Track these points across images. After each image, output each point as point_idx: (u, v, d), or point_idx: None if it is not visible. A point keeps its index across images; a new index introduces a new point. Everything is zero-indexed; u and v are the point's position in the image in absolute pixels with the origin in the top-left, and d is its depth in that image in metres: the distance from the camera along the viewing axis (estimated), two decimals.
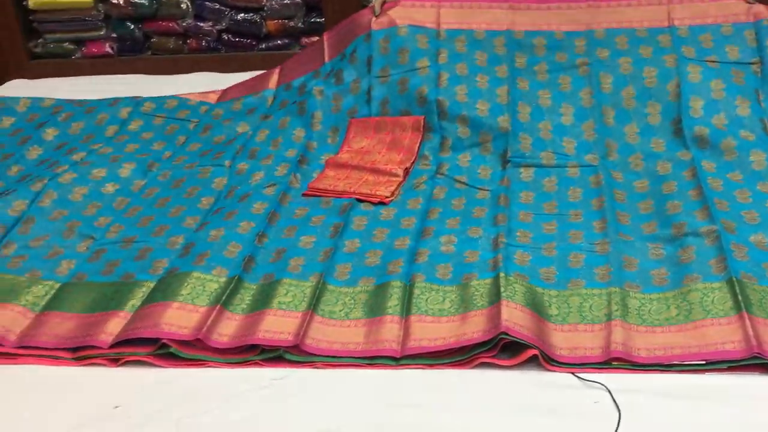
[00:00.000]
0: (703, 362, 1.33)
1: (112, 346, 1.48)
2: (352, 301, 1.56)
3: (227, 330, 1.50)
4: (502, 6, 2.28)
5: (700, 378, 1.32)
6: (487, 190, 1.93)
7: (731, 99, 2.01)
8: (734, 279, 1.45)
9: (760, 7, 2.18)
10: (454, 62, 2.22)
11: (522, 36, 2.24)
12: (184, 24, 3.03)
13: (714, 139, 1.94)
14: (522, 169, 1.99)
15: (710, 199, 1.72)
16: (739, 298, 1.41)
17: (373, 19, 2.34)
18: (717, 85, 2.04)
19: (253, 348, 1.46)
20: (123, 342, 1.48)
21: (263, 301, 1.56)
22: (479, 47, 2.26)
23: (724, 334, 1.36)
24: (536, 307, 1.47)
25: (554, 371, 1.36)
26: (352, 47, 2.35)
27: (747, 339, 1.33)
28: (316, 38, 3.02)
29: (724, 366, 1.32)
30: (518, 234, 1.72)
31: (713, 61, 2.09)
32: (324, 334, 1.47)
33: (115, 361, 1.47)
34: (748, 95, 2.02)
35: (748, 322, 1.35)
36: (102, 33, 3.09)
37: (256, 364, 1.44)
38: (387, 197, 1.93)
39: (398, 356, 1.42)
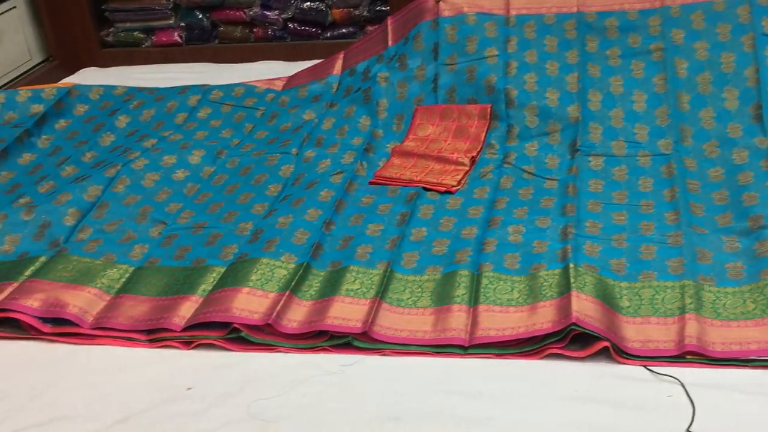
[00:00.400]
0: None
1: (184, 330, 1.51)
2: (420, 290, 1.56)
3: (297, 316, 1.51)
4: None
5: None
6: (555, 179, 1.91)
7: None
8: None
9: None
10: (524, 50, 2.20)
11: (594, 18, 2.19)
12: (250, 13, 3.06)
13: None
14: (591, 158, 1.96)
15: None
16: None
17: (441, 4, 2.32)
18: None
19: (321, 334, 1.48)
20: (195, 326, 1.51)
21: (331, 287, 1.57)
22: (549, 32, 2.22)
23: None
24: (607, 299, 1.45)
25: (626, 364, 1.34)
26: (416, 31, 2.34)
27: None
28: None
29: None
30: (587, 224, 1.70)
31: None
32: (392, 322, 1.48)
33: (188, 344, 1.50)
34: None
35: None
36: (171, 22, 3.14)
37: (324, 350, 1.46)
38: (454, 186, 1.92)
39: (466, 345, 1.42)
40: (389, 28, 2.45)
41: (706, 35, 2.09)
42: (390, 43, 2.41)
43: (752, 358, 1.31)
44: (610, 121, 2.05)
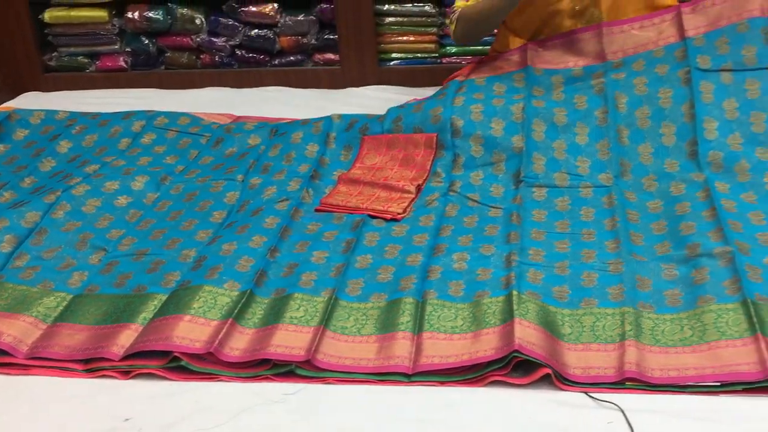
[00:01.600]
0: (718, 383, 1.32)
1: (123, 359, 1.48)
2: (364, 317, 1.56)
3: (239, 344, 1.49)
4: (523, 49, 2.32)
5: (714, 400, 1.31)
6: (500, 208, 1.93)
7: (745, 117, 1.99)
8: (749, 300, 1.44)
9: None
10: (472, 92, 2.23)
11: (541, 73, 2.26)
12: (197, 39, 3.04)
13: (728, 162, 1.93)
14: (534, 189, 1.98)
15: (724, 221, 1.71)
16: (754, 319, 1.40)
17: None
18: (730, 105, 2.02)
19: (264, 362, 1.46)
20: (134, 354, 1.48)
21: (275, 315, 1.56)
22: (498, 80, 2.28)
23: (739, 356, 1.35)
24: (549, 326, 1.47)
25: (567, 390, 1.35)
26: None
27: (762, 361, 1.32)
28: (329, 55, 3.04)
29: (739, 388, 1.32)
30: (531, 252, 1.72)
31: (728, 70, 2.06)
32: (336, 350, 1.47)
33: (126, 374, 1.47)
34: (763, 108, 2.00)
35: (763, 344, 1.34)
36: (116, 47, 3.10)
37: (267, 378, 1.44)
38: (399, 214, 1.93)
39: (410, 373, 1.41)
40: None
41: (645, 73, 2.15)
42: None
43: (689, 383, 1.33)
44: (553, 153, 2.08)
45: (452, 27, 2.37)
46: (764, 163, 1.91)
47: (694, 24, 2.15)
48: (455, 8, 2.37)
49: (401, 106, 2.34)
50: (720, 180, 1.90)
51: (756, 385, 1.31)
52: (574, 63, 2.25)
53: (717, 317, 1.44)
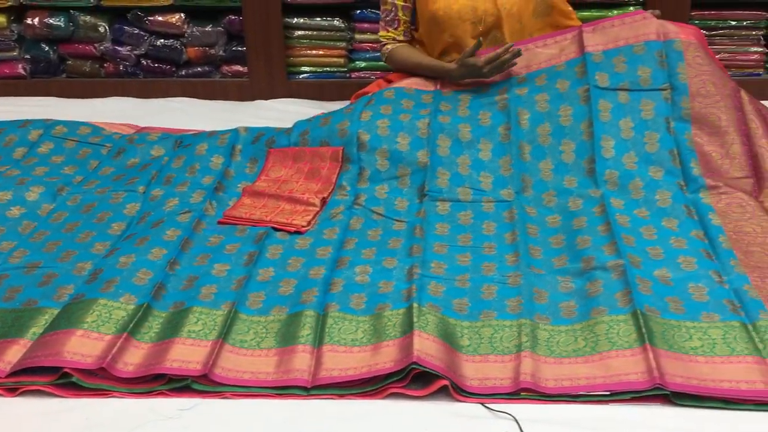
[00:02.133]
0: (608, 393, 1.36)
1: (9, 375, 1.42)
2: (264, 330, 1.54)
3: (133, 359, 1.46)
4: (435, 84, 2.35)
5: (605, 408, 1.35)
6: (404, 221, 1.94)
7: (640, 137, 2.07)
8: (638, 312, 1.49)
9: (669, 26, 2.21)
10: (380, 104, 2.25)
11: (449, 94, 2.29)
12: (101, 48, 2.97)
13: (623, 180, 1.99)
14: (438, 203, 2.01)
15: (618, 235, 1.77)
16: (643, 330, 1.45)
17: None
18: (626, 124, 2.10)
19: (159, 377, 1.42)
20: (23, 371, 1.42)
21: (172, 329, 1.52)
22: (406, 96, 2.29)
23: (628, 366, 1.39)
24: (448, 338, 1.48)
25: (464, 401, 1.37)
26: None
27: (650, 370, 1.37)
28: (237, 67, 3.02)
29: (628, 396, 1.36)
30: (433, 265, 1.73)
31: (625, 90, 2.14)
32: (234, 364, 1.45)
33: (13, 391, 1.41)
34: (657, 128, 2.08)
35: (651, 354, 1.39)
36: (15, 54, 3.00)
37: (162, 394, 1.40)
38: (303, 226, 1.92)
39: (309, 386, 1.40)
40: None
41: (546, 89, 2.21)
42: None
43: (582, 393, 1.37)
44: (457, 168, 2.11)
45: (383, 58, 2.47)
46: (656, 181, 1.99)
47: (594, 41, 2.23)
48: (380, 38, 2.45)
49: (309, 120, 2.34)
50: (615, 196, 1.96)
51: (644, 394, 1.35)
52: (482, 88, 2.30)
53: (609, 328, 1.48)
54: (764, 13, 2.87)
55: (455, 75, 2.29)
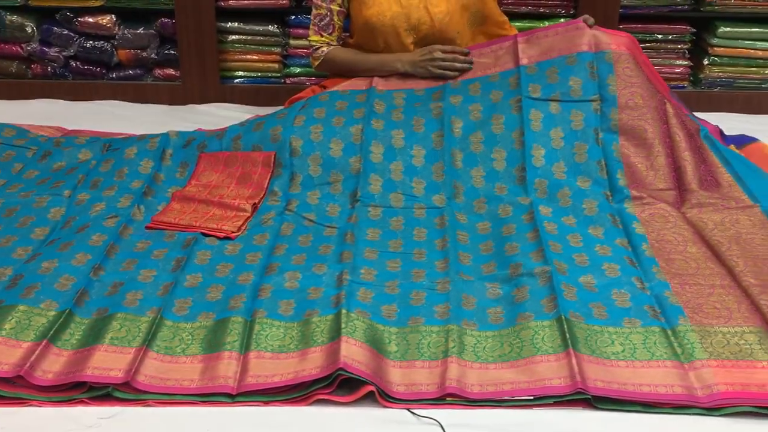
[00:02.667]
0: (531, 398, 1.38)
1: None
2: (190, 337, 1.52)
3: (53, 366, 1.42)
4: (369, 82, 2.35)
5: (529, 413, 1.37)
6: (335, 227, 1.94)
7: (569, 146, 2.11)
8: (563, 317, 1.52)
9: (601, 37, 2.25)
10: (314, 107, 2.24)
11: (383, 92, 2.30)
12: (28, 48, 2.90)
13: (552, 189, 2.03)
14: (370, 209, 2.01)
15: (545, 242, 1.80)
16: (567, 335, 1.47)
17: None
18: (556, 134, 2.13)
19: (80, 385, 1.39)
20: None
21: (95, 336, 1.49)
22: (340, 98, 2.29)
23: (552, 371, 1.41)
24: (376, 344, 1.48)
25: (390, 407, 1.37)
26: None
27: (572, 375, 1.39)
28: (170, 70, 2.98)
29: (551, 401, 1.37)
30: (362, 271, 1.73)
31: (556, 100, 2.18)
32: (158, 371, 1.42)
33: None
34: (586, 139, 2.12)
35: (574, 359, 1.41)
36: None
37: (82, 402, 1.37)
38: (233, 232, 1.90)
39: (234, 393, 1.39)
40: None
41: (480, 99, 2.23)
42: None
43: (506, 398, 1.38)
44: (390, 174, 2.12)
45: (314, 62, 2.45)
46: (584, 191, 2.03)
47: (528, 54, 2.26)
48: (313, 42, 2.43)
49: (241, 124, 2.32)
50: (544, 204, 2.00)
51: (566, 398, 1.37)
52: (416, 85, 2.32)
53: (534, 334, 1.50)
54: (689, 27, 2.96)
55: (404, 58, 2.32)
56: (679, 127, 2.16)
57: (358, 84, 2.37)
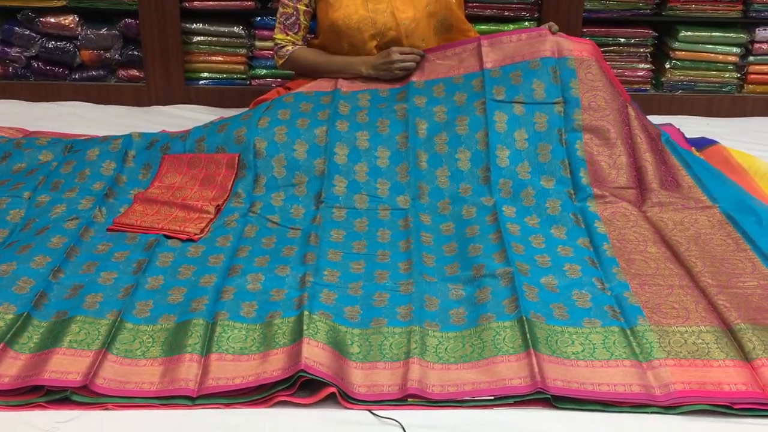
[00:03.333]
0: (492, 398, 1.38)
1: None
2: (151, 340, 1.51)
3: (10, 370, 1.40)
4: (332, 85, 2.36)
5: (489, 413, 1.37)
6: (299, 229, 1.94)
7: (533, 147, 2.12)
8: (524, 318, 1.53)
9: (564, 43, 2.27)
10: (278, 109, 2.24)
11: (347, 93, 2.30)
12: None
13: (516, 189, 2.04)
14: (335, 210, 2.01)
15: (508, 243, 1.81)
16: (528, 336, 1.48)
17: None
18: (520, 135, 2.15)
19: (37, 389, 1.37)
20: None
21: (53, 339, 1.47)
22: (305, 99, 2.29)
23: (513, 371, 1.42)
24: (338, 346, 1.48)
25: (351, 408, 1.37)
26: None
27: (533, 375, 1.40)
28: (134, 71, 2.95)
29: (512, 401, 1.38)
30: (326, 273, 1.73)
31: (520, 102, 2.19)
32: (117, 374, 1.41)
33: None
34: (549, 140, 2.14)
35: (534, 359, 1.42)
36: None
37: (39, 406, 1.35)
38: (196, 234, 1.89)
39: (195, 395, 1.38)
40: None
41: (444, 101, 2.24)
42: None
43: (467, 398, 1.39)
44: (354, 175, 2.12)
45: (278, 61, 2.45)
46: (547, 190, 2.04)
47: (493, 57, 2.28)
48: (278, 41, 2.42)
49: (205, 126, 2.30)
50: (507, 204, 2.01)
51: (527, 398, 1.38)
52: (380, 85, 2.33)
53: (495, 334, 1.51)
54: (651, 31, 3.00)
55: (367, 61, 2.34)
56: (641, 130, 2.19)
57: (322, 85, 2.37)
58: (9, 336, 1.46)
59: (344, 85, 2.34)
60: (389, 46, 2.36)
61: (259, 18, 2.92)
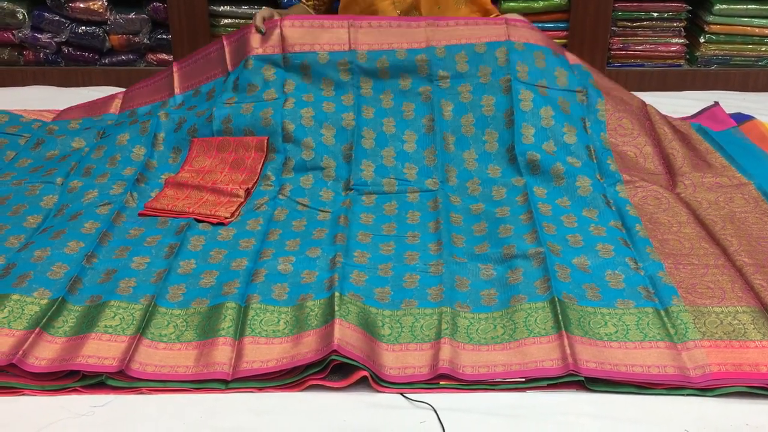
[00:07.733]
0: (524, 380, 1.37)
1: None
2: (184, 324, 1.52)
3: (46, 354, 1.42)
4: (343, 25, 2.28)
5: (522, 396, 1.36)
6: (328, 211, 1.93)
7: (560, 126, 2.10)
8: (556, 299, 1.51)
9: (569, 55, 2.33)
10: (301, 92, 2.22)
11: (365, 59, 2.25)
12: (20, 35, 2.88)
13: (544, 165, 2.02)
14: (364, 196, 2.00)
15: (539, 223, 1.80)
16: (560, 317, 1.47)
17: (227, 57, 2.31)
18: (546, 113, 2.12)
19: (73, 374, 1.39)
20: None
21: (88, 324, 1.49)
22: (324, 74, 2.25)
23: (544, 352, 1.41)
24: (369, 327, 1.48)
25: (383, 392, 1.37)
26: (210, 86, 2.31)
27: (564, 357, 1.39)
28: (162, 55, 2.96)
29: (544, 383, 1.37)
30: (356, 254, 1.73)
31: (543, 87, 2.18)
32: (152, 358, 1.42)
33: None
34: (574, 123, 2.12)
35: (566, 341, 1.41)
36: None
37: (75, 391, 1.37)
38: (227, 218, 1.89)
39: (229, 379, 1.39)
40: (175, 75, 2.40)
41: (469, 78, 2.21)
42: (177, 91, 2.36)
43: (498, 380, 1.38)
44: (382, 160, 2.11)
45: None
46: (575, 168, 2.02)
47: (518, 35, 2.25)
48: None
49: (225, 103, 2.23)
50: (538, 185, 1.99)
51: (559, 380, 1.37)
52: (398, 45, 2.25)
53: (527, 315, 1.50)
54: (685, 5, 2.94)
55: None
56: (663, 123, 2.22)
57: (336, 35, 2.27)
58: (44, 320, 1.48)
59: (359, 40, 2.24)
60: (409, 12, 2.35)
61: None
